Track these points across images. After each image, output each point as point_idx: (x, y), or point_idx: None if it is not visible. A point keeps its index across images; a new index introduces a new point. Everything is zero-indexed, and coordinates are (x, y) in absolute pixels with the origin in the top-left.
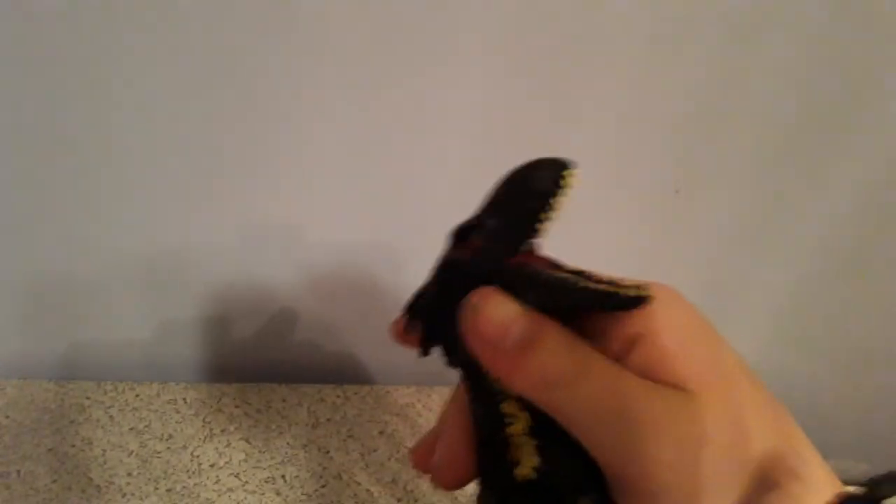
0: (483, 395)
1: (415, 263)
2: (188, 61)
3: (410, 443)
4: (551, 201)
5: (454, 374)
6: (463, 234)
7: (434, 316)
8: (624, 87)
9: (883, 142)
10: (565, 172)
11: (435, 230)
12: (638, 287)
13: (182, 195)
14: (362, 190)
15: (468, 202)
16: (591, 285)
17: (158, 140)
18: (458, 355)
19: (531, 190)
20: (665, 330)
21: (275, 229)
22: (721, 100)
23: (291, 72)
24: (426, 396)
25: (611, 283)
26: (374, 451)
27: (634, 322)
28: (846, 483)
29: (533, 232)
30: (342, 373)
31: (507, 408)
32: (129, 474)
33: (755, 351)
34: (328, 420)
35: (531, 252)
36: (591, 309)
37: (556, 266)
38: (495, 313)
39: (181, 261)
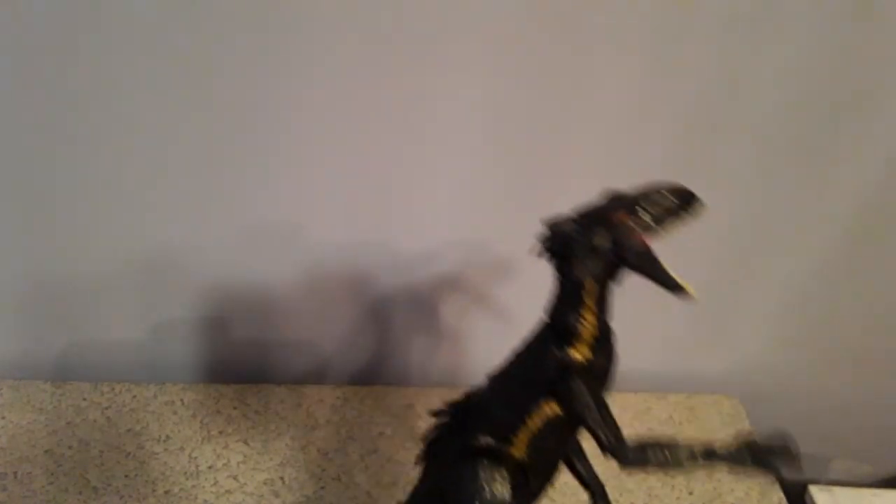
0: None
1: (413, 263)
2: (188, 63)
3: (410, 444)
4: None
5: (453, 375)
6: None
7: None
8: (626, 87)
9: (883, 142)
10: None
11: (434, 230)
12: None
13: (180, 196)
14: (361, 190)
15: (466, 202)
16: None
17: (157, 141)
18: None
19: None
20: None
21: (274, 229)
22: (724, 100)
23: (291, 73)
24: (426, 398)
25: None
26: (374, 452)
27: None
28: (849, 483)
29: None
30: (341, 374)
31: None
32: (127, 476)
33: (756, 351)
34: (327, 421)
35: None
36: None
37: None
38: None
39: (179, 261)
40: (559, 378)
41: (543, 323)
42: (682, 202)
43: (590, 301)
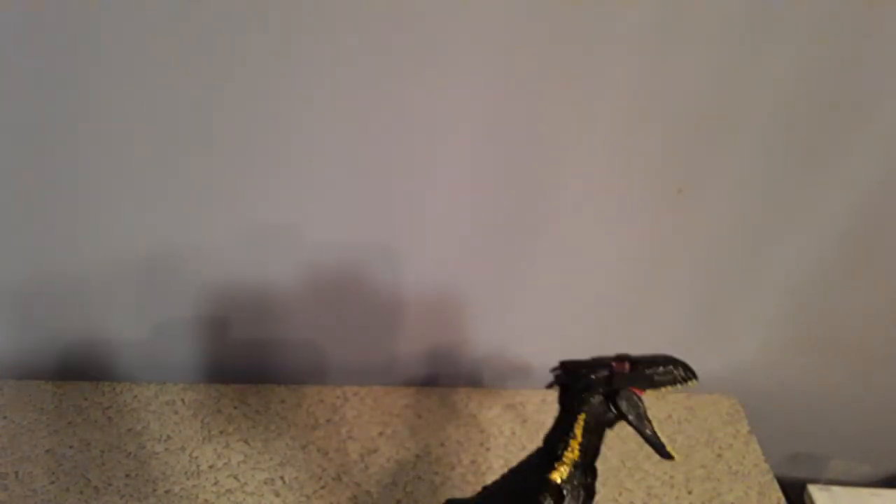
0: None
1: (413, 263)
2: (189, 63)
3: (410, 444)
4: None
5: (453, 376)
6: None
7: None
8: (626, 87)
9: (883, 143)
10: None
11: (433, 230)
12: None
13: (181, 196)
14: (361, 191)
15: (466, 202)
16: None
17: (158, 141)
18: None
19: None
20: None
21: (274, 229)
22: (724, 100)
23: (292, 74)
24: (426, 397)
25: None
26: (374, 452)
27: None
28: (848, 483)
29: None
30: (341, 373)
31: None
32: (128, 476)
33: (756, 351)
34: (327, 421)
35: None
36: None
37: None
38: None
39: (180, 261)
40: (539, 497)
41: (539, 448)
42: (682, 375)
43: (578, 432)
